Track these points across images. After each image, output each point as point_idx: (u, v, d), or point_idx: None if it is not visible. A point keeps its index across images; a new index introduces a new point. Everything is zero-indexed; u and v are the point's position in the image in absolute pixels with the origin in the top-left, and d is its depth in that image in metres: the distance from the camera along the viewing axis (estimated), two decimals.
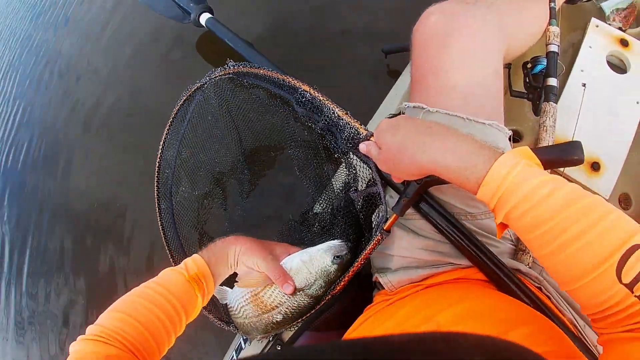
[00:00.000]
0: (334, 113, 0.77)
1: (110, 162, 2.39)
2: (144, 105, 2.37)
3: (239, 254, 0.73)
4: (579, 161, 0.53)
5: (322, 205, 0.94)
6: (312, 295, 0.75)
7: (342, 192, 0.86)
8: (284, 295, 0.74)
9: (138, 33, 2.57)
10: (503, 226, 0.49)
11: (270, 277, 0.73)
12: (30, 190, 2.91)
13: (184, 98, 1.06)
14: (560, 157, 0.54)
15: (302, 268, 0.74)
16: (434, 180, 0.64)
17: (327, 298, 0.76)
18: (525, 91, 0.95)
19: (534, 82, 0.93)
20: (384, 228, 0.71)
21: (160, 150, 1.12)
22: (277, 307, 0.75)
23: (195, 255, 0.71)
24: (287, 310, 0.75)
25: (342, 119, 0.76)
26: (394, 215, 0.70)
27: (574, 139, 0.89)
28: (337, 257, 0.74)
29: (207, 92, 1.03)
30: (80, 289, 2.16)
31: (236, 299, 0.79)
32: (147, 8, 1.81)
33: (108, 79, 2.71)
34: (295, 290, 0.73)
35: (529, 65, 0.95)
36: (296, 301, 0.75)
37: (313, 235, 0.94)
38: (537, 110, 0.92)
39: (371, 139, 0.70)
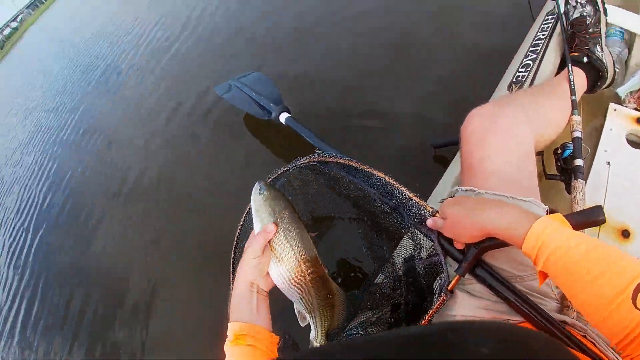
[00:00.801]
0: (404, 195, 0.99)
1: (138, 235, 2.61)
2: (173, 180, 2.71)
3: (245, 268, 0.85)
4: (601, 221, 0.67)
5: (385, 274, 1.13)
6: (291, 220, 0.86)
7: (405, 262, 1.05)
8: (279, 237, 0.84)
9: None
10: (543, 274, 0.64)
11: (257, 243, 0.84)
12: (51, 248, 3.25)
13: (271, 179, 1.30)
14: (586, 219, 0.67)
15: (255, 220, 0.88)
16: (489, 245, 0.82)
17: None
18: (558, 174, 1.13)
19: (565, 165, 1.11)
20: (448, 288, 0.88)
21: (241, 222, 1.29)
22: (291, 249, 0.84)
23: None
24: (299, 247, 0.85)
25: (412, 200, 0.98)
26: (457, 276, 0.88)
27: None
28: (261, 189, 0.89)
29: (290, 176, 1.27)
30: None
31: (279, 275, 0.86)
32: (188, 82, 2.21)
33: (145, 152, 3.13)
34: (276, 226, 0.85)
35: (559, 151, 1.14)
36: (289, 236, 0.85)
37: (376, 302, 1.11)
38: (569, 189, 1.09)
39: (436, 215, 0.91)
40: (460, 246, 0.88)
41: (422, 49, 2.02)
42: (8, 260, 3.78)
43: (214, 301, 1.73)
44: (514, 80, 1.33)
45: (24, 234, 3.91)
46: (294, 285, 0.86)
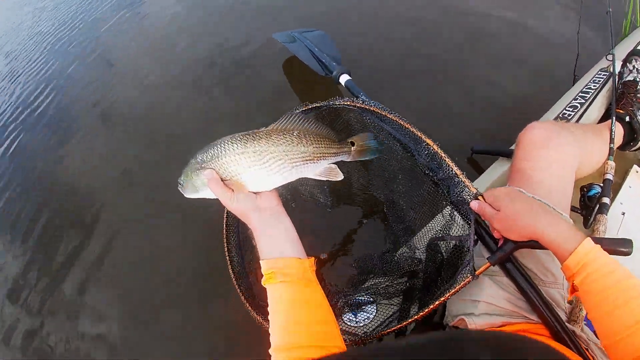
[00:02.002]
0: (451, 170, 0.94)
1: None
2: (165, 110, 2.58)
3: (238, 210, 0.82)
4: (628, 253, 0.73)
5: (407, 244, 1.08)
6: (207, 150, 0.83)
7: (433, 236, 1.01)
8: (220, 168, 0.81)
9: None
10: (574, 290, 0.69)
11: (218, 193, 0.80)
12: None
13: (302, 109, 1.20)
14: (616, 247, 0.73)
15: (203, 192, 0.85)
16: (528, 243, 0.81)
17: (410, 321, 0.87)
18: (579, 208, 1.17)
19: (589, 202, 1.16)
20: (476, 272, 0.85)
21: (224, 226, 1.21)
22: (234, 160, 0.80)
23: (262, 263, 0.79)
24: (233, 151, 0.80)
25: (458, 177, 0.93)
26: (487, 264, 0.85)
27: None
28: (181, 182, 0.87)
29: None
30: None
31: (255, 177, 0.81)
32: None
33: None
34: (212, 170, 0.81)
35: (585, 189, 1.19)
36: (220, 159, 0.81)
37: (391, 269, 1.07)
38: (587, 224, 1.13)
39: (480, 198, 0.87)
40: (497, 235, 0.86)
41: (489, 51, 1.99)
42: None
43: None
44: (560, 115, 1.44)
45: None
46: (271, 164, 0.80)
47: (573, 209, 1.16)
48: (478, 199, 0.88)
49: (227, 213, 1.19)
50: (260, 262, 0.77)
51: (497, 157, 1.41)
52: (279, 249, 0.77)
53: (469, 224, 0.92)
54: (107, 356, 1.62)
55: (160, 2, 3.99)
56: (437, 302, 0.86)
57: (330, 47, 1.80)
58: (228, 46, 2.81)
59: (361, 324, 1.07)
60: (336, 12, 2.57)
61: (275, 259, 0.76)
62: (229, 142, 0.80)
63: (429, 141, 0.99)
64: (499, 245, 0.87)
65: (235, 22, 3.01)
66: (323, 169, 0.87)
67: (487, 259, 0.86)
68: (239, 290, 1.11)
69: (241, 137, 0.81)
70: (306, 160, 0.83)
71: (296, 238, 0.81)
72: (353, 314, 1.09)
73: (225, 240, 1.18)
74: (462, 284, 0.85)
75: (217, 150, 0.80)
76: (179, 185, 0.88)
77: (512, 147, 1.29)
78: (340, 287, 1.17)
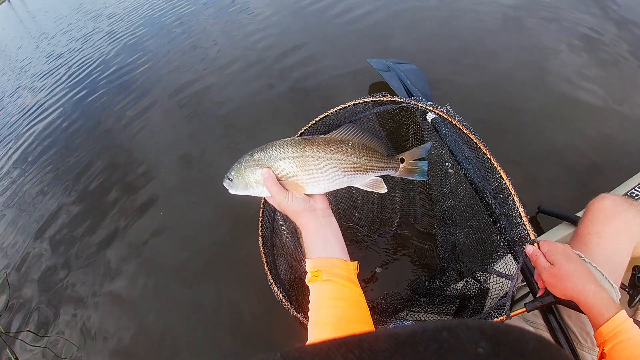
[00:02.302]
0: (516, 209, 0.93)
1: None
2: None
3: (290, 210, 0.84)
4: None
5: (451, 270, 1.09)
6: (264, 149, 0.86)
7: (479, 266, 1.01)
8: (277, 167, 0.84)
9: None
10: (603, 356, 0.71)
11: (273, 192, 0.83)
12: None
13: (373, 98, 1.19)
14: None
15: (255, 190, 0.87)
16: (567, 302, 0.81)
17: None
18: (627, 285, 1.13)
19: (637, 282, 1.12)
20: (510, 314, 0.85)
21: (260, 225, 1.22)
22: (291, 159, 0.85)
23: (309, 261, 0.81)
24: (292, 151, 0.85)
25: (520, 218, 0.92)
26: (524, 308, 0.85)
27: None
28: (228, 178, 0.89)
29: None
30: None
31: (312, 179, 0.85)
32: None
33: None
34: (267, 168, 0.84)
35: (637, 269, 1.15)
36: (278, 157, 0.85)
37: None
38: (631, 303, 1.10)
39: (536, 245, 0.87)
40: (540, 285, 0.86)
41: (574, 117, 1.95)
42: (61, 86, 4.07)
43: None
44: (629, 192, 1.41)
45: (83, 72, 4.25)
46: (326, 169, 0.84)
47: (621, 285, 1.13)
48: (534, 246, 0.88)
49: (263, 213, 1.20)
50: (307, 260, 0.81)
51: (562, 221, 1.38)
52: (328, 249, 0.81)
53: (517, 264, 0.91)
54: (110, 309, 1.73)
55: (259, 8, 4.11)
56: None
57: (421, 82, 1.79)
58: (314, 59, 2.85)
59: None
60: (433, 49, 2.54)
61: (323, 258, 0.79)
62: (289, 145, 0.85)
63: (503, 174, 0.98)
64: (538, 295, 0.86)
65: (329, 39, 3.05)
66: (370, 180, 0.91)
67: (525, 304, 0.85)
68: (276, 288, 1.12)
69: (301, 140, 0.85)
70: (357, 170, 0.88)
71: (342, 241, 0.84)
72: None
73: (261, 238, 1.19)
74: (495, 320, 0.85)
75: (276, 150, 0.85)
76: (227, 180, 0.90)
77: (578, 214, 1.30)
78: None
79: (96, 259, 1.96)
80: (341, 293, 0.76)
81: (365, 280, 1.49)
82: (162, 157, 2.45)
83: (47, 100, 4.07)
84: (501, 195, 0.97)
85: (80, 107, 3.54)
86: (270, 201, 0.88)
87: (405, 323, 1.10)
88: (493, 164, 0.99)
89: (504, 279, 0.93)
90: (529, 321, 0.97)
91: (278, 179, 0.84)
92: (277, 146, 0.85)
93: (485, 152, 1.01)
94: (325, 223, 0.84)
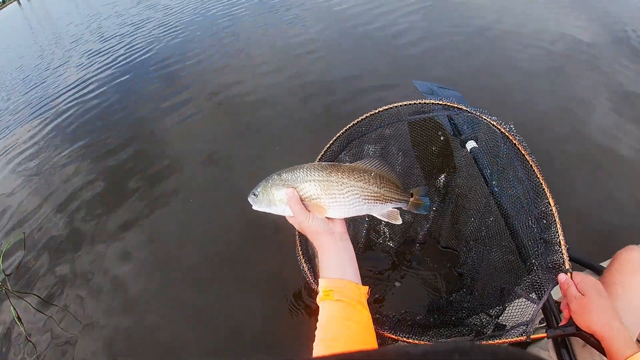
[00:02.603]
0: (557, 237, 0.95)
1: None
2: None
3: (310, 230, 0.89)
4: None
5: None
6: (292, 171, 0.92)
7: (505, 285, 1.03)
8: (302, 189, 0.90)
9: None
10: None
11: (296, 212, 0.88)
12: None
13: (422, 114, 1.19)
14: None
15: (279, 208, 0.92)
16: (589, 336, 0.83)
17: None
18: None
19: None
20: (531, 337, 0.88)
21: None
22: (317, 182, 0.90)
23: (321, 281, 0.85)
24: (319, 175, 0.90)
25: (559, 246, 0.94)
26: (545, 334, 0.88)
27: None
28: (254, 193, 0.94)
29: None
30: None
31: (335, 203, 0.90)
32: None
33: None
34: (292, 188, 0.89)
35: None
36: (304, 180, 0.90)
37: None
38: None
39: (569, 275, 0.90)
40: (566, 315, 0.88)
41: (610, 166, 1.94)
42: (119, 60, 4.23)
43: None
44: None
45: (129, 57, 4.34)
46: (349, 195, 0.90)
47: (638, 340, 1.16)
48: (567, 275, 0.90)
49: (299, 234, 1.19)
50: (320, 279, 0.84)
51: (585, 268, 1.38)
52: (342, 271, 0.84)
53: (545, 290, 0.94)
54: (114, 294, 1.77)
55: (311, 22, 4.06)
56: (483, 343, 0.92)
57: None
58: (357, 78, 2.81)
59: None
60: (476, 83, 2.49)
61: (337, 279, 0.83)
62: (316, 169, 0.90)
63: (551, 200, 0.99)
64: (561, 324, 0.90)
65: (375, 61, 3.01)
66: (387, 211, 0.97)
67: (547, 330, 0.89)
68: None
69: (327, 166, 0.91)
70: (377, 199, 0.93)
71: (356, 265, 0.88)
72: None
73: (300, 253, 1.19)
74: (513, 339, 0.89)
75: (303, 173, 0.90)
76: (252, 196, 0.94)
77: (602, 264, 1.29)
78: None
79: (110, 241, 2.01)
80: (351, 314, 0.80)
81: (383, 293, 1.51)
82: (190, 152, 2.48)
83: (90, 78, 4.15)
84: (544, 221, 0.98)
85: (121, 91, 3.61)
86: (291, 220, 0.92)
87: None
88: (543, 189, 1.00)
89: (528, 301, 0.96)
90: (541, 347, 1.00)
91: (302, 200, 0.89)
92: (305, 169, 0.91)
93: (539, 176, 1.01)
94: (343, 247, 0.88)
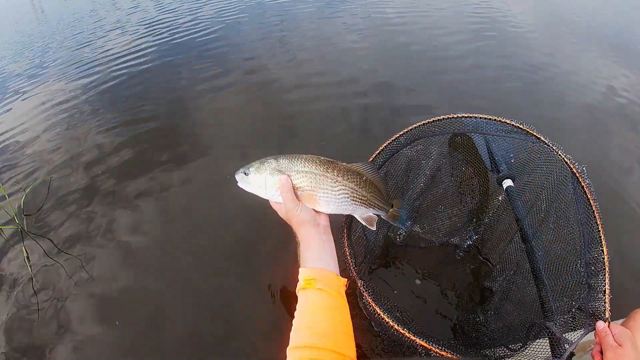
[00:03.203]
0: (603, 285, 0.96)
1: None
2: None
3: (297, 220, 0.92)
4: None
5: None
6: (289, 158, 0.94)
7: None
8: (295, 178, 0.92)
9: None
10: None
11: (286, 199, 0.91)
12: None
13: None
14: None
15: (270, 192, 0.94)
16: None
17: None
18: None
19: None
20: None
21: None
22: (311, 174, 0.93)
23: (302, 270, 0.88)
24: (314, 166, 0.93)
25: (604, 294, 0.95)
26: None
27: None
28: (245, 173, 0.96)
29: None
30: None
31: (324, 197, 0.94)
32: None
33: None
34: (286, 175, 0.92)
35: None
36: (299, 168, 0.93)
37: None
38: None
39: (607, 324, 0.91)
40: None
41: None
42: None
43: None
44: None
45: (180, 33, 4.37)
46: (340, 193, 0.93)
47: None
48: (605, 323, 0.91)
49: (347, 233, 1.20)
50: (301, 268, 0.87)
51: None
52: (323, 262, 0.87)
53: (581, 333, 0.95)
54: (118, 254, 1.81)
55: (366, 31, 4.05)
56: None
57: (506, 149, 1.70)
58: (397, 95, 2.80)
59: None
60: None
61: (318, 269, 0.85)
62: (314, 162, 0.92)
63: (605, 248, 0.99)
64: None
65: (420, 82, 2.99)
66: (368, 215, 1.01)
67: None
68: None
69: (325, 161, 0.94)
70: (362, 202, 0.97)
71: (336, 258, 0.91)
72: None
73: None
74: None
75: (301, 163, 0.92)
76: (241, 174, 0.95)
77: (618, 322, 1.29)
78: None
79: (128, 207, 2.04)
80: (332, 303, 0.83)
81: (401, 288, 1.52)
82: (222, 138, 2.49)
83: (141, 47, 4.17)
84: (593, 268, 0.99)
85: (164, 65, 3.61)
86: (277, 207, 0.94)
87: None
88: (600, 236, 1.00)
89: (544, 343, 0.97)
90: None
91: (294, 188, 0.91)
92: (303, 159, 0.93)
93: (598, 222, 1.02)
94: (325, 239, 0.91)
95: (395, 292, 1.50)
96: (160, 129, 2.62)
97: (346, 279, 0.89)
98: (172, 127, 2.63)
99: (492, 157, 1.56)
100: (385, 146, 1.32)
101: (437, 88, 2.85)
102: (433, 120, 1.32)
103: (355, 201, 0.96)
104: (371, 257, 1.38)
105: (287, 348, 0.78)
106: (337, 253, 0.92)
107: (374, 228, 1.04)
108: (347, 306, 0.86)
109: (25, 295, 1.66)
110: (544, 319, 1.03)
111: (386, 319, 0.99)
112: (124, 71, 3.57)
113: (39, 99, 3.32)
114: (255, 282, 1.61)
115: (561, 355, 0.92)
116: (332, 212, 0.96)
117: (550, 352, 0.98)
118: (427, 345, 0.95)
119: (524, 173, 1.33)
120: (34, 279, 1.72)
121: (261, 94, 2.94)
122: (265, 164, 0.93)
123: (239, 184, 0.97)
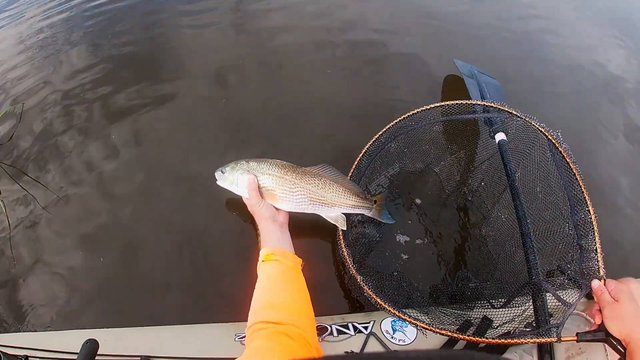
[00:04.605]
0: (594, 244, 0.98)
1: None
2: None
3: (259, 213, 1.06)
4: None
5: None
6: (258, 162, 1.09)
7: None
8: (261, 179, 1.07)
9: None
10: None
11: (252, 196, 1.06)
12: None
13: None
14: None
15: (240, 188, 1.10)
16: (614, 343, 0.87)
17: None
18: None
19: None
20: (562, 339, 0.91)
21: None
22: (273, 176, 1.07)
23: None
24: (276, 170, 1.07)
25: (596, 253, 0.97)
26: (575, 337, 0.91)
27: None
28: (222, 171, 1.12)
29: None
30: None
31: (284, 198, 1.07)
32: None
33: None
34: (253, 175, 1.07)
35: None
36: (264, 171, 1.07)
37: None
38: None
39: (602, 281, 0.94)
40: (597, 320, 0.92)
41: None
42: None
43: None
44: None
45: None
46: (297, 193, 1.05)
47: None
48: (600, 281, 0.94)
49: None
50: (261, 250, 0.96)
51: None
52: (280, 244, 0.98)
53: (579, 294, 0.97)
54: (95, 190, 1.72)
55: None
56: (509, 341, 0.94)
57: (500, 100, 1.68)
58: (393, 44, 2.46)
59: (395, 341, 1.10)
60: (517, 73, 2.30)
61: (277, 247, 0.96)
62: (277, 166, 1.06)
63: (591, 209, 1.01)
64: (591, 329, 0.93)
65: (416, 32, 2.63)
66: (335, 214, 1.10)
67: (577, 334, 0.92)
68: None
69: (286, 165, 1.07)
70: (322, 203, 1.07)
71: (292, 248, 1.03)
72: (393, 327, 1.14)
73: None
74: (544, 339, 0.92)
75: (266, 166, 1.06)
76: (219, 173, 1.11)
77: None
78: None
79: (101, 133, 1.93)
80: (289, 273, 0.92)
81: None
82: (201, 68, 2.27)
83: None
84: (582, 229, 1.01)
85: None
86: (245, 202, 1.08)
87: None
88: (584, 197, 1.02)
89: (561, 303, 0.99)
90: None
91: (259, 187, 1.06)
92: (268, 164, 1.08)
93: (581, 184, 1.04)
94: (281, 233, 1.03)
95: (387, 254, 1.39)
96: (139, 58, 2.41)
97: (301, 260, 0.98)
98: (151, 57, 2.42)
99: (487, 110, 1.55)
100: (367, 147, 1.31)
101: (434, 42, 2.52)
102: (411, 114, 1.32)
103: (314, 202, 1.06)
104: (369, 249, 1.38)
105: (246, 328, 0.82)
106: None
107: (341, 227, 1.10)
108: (304, 282, 0.93)
109: None
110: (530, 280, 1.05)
111: (413, 322, 1.02)
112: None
113: (9, 24, 3.06)
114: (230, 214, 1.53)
115: (546, 322, 0.95)
116: (293, 210, 1.08)
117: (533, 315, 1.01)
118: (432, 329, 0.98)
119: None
120: (6, 210, 1.66)
121: (247, 27, 2.57)
122: (238, 165, 1.09)
123: (217, 182, 1.12)
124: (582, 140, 1.93)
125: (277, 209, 1.07)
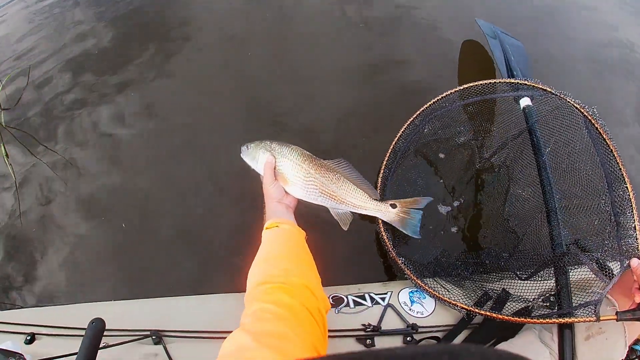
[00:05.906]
0: (633, 222, 0.94)
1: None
2: None
3: (269, 193, 1.06)
4: None
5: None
6: (280, 145, 1.10)
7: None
8: (279, 162, 1.08)
9: None
10: None
11: (267, 174, 1.07)
12: None
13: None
14: None
15: (259, 166, 1.10)
16: None
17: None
18: None
19: None
20: (601, 318, 0.87)
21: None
22: (290, 162, 1.08)
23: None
24: (294, 156, 1.08)
25: (635, 232, 0.93)
26: (615, 316, 0.88)
27: None
28: (246, 147, 1.13)
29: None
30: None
31: (295, 183, 1.07)
32: None
33: None
34: (273, 157, 1.08)
35: None
36: (284, 155, 1.08)
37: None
38: None
39: None
40: (638, 300, 0.88)
41: None
42: None
43: None
44: None
45: None
46: (309, 183, 1.07)
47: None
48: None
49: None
50: (266, 223, 0.97)
51: None
52: (285, 218, 0.99)
53: (617, 272, 0.93)
54: (103, 147, 1.71)
55: None
56: (549, 321, 0.91)
57: (524, 62, 1.63)
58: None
59: (413, 313, 1.09)
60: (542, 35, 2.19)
61: (283, 219, 0.97)
62: (298, 153, 1.08)
63: (629, 186, 0.97)
64: (629, 308, 0.89)
65: None
66: (341, 211, 1.11)
67: (617, 313, 0.88)
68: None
69: (305, 154, 1.09)
70: (331, 197, 1.09)
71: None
72: (410, 299, 1.12)
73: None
74: (583, 319, 0.88)
75: (287, 151, 1.09)
76: (244, 147, 1.14)
77: None
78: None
79: (112, 100, 1.89)
80: (298, 239, 0.92)
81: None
82: (211, 31, 2.21)
83: None
84: (619, 208, 0.97)
85: None
86: (262, 179, 1.10)
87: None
88: (622, 174, 0.98)
89: (596, 276, 0.95)
90: (545, 344, 0.99)
91: (275, 169, 1.08)
92: (290, 149, 1.09)
93: (619, 161, 1.00)
94: (288, 213, 1.04)
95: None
96: (147, 22, 2.33)
97: (305, 233, 0.98)
98: (160, 20, 2.34)
99: (511, 69, 1.49)
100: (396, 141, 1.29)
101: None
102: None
103: (324, 194, 1.08)
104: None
105: (251, 288, 0.78)
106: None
107: (343, 227, 1.10)
108: (309, 251, 0.91)
109: (7, 195, 1.58)
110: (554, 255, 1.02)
111: (432, 292, 1.02)
112: None
113: None
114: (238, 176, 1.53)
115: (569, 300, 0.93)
116: (302, 198, 1.09)
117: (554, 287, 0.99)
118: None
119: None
120: (14, 177, 1.62)
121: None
122: (262, 143, 1.11)
123: (241, 154, 1.14)
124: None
125: (287, 193, 1.09)
